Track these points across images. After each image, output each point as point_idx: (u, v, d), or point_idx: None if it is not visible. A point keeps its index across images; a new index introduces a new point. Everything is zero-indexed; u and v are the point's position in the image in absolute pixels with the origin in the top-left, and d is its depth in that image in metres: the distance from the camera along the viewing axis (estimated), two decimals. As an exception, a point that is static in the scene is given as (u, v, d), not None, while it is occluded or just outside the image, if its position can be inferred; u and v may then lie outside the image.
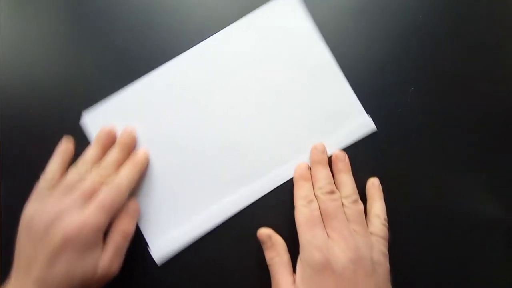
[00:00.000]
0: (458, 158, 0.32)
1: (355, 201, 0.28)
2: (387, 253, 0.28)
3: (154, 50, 0.34)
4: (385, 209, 0.30)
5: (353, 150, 0.32)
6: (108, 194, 0.27)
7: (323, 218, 0.28)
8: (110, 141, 0.31)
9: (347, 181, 0.30)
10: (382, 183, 0.31)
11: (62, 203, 0.27)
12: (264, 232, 0.29)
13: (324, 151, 0.31)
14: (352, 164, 0.31)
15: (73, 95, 0.34)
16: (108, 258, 0.27)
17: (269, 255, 0.29)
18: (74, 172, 0.29)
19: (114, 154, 0.30)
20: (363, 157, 0.32)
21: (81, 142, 0.32)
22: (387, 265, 0.27)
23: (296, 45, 0.32)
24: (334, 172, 0.30)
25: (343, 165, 0.30)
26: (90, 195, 0.27)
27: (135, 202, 0.30)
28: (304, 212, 0.28)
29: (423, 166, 0.32)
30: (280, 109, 0.32)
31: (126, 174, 0.29)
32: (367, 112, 0.32)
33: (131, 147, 0.31)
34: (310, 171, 0.31)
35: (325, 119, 0.32)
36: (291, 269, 0.28)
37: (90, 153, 0.30)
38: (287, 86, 0.32)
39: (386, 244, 0.28)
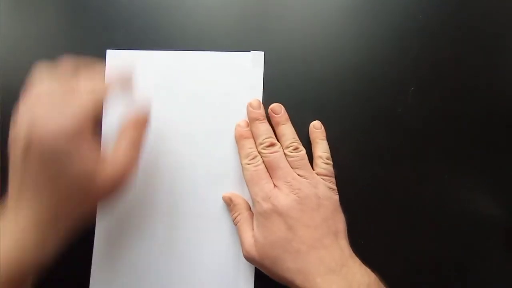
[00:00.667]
0: (458, 158, 0.32)
1: (295, 149, 0.30)
2: (334, 187, 0.30)
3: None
4: (327, 148, 0.31)
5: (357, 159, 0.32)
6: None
7: (269, 170, 0.29)
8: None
9: (285, 131, 0.31)
10: (381, 185, 0.32)
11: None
12: (225, 195, 0.32)
13: (259, 106, 0.32)
14: (353, 169, 0.31)
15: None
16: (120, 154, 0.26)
17: (233, 215, 0.31)
18: None
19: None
20: (364, 165, 0.32)
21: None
22: (335, 197, 0.29)
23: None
24: (273, 125, 0.32)
25: (280, 117, 0.31)
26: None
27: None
28: (248, 169, 0.30)
29: (423, 166, 0.32)
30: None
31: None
32: (368, 112, 0.32)
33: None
34: (249, 128, 0.32)
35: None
36: (253, 226, 0.29)
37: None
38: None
39: (333, 180, 0.30)
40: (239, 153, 0.31)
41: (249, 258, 0.29)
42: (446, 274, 0.31)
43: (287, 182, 0.28)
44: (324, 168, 0.30)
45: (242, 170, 0.30)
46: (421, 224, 0.32)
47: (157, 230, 0.32)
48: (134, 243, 0.32)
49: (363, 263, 0.27)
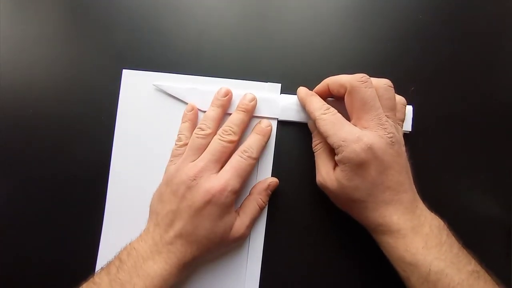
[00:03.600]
0: (458, 157, 0.32)
1: (390, 86, 0.29)
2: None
3: (154, 50, 0.34)
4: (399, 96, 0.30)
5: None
6: (242, 162, 0.29)
7: (359, 110, 0.28)
8: (229, 101, 0.32)
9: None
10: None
11: (196, 166, 0.28)
12: (311, 123, 0.32)
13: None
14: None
15: (73, 94, 0.34)
16: (244, 224, 0.30)
17: (314, 141, 0.31)
18: (199, 128, 0.30)
19: (238, 116, 0.31)
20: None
21: (76, 141, 0.33)
22: (403, 142, 0.29)
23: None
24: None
25: None
26: (220, 159, 0.29)
27: (275, 179, 0.32)
28: (325, 118, 0.28)
29: (423, 166, 0.32)
30: None
31: (256, 143, 0.30)
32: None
33: (251, 113, 0.32)
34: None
35: None
36: (333, 156, 0.29)
37: (210, 112, 0.31)
38: None
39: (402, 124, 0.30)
40: (308, 110, 0.30)
41: (322, 187, 0.30)
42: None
43: (381, 124, 0.27)
44: (402, 113, 0.30)
45: (316, 124, 0.29)
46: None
47: None
48: None
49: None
